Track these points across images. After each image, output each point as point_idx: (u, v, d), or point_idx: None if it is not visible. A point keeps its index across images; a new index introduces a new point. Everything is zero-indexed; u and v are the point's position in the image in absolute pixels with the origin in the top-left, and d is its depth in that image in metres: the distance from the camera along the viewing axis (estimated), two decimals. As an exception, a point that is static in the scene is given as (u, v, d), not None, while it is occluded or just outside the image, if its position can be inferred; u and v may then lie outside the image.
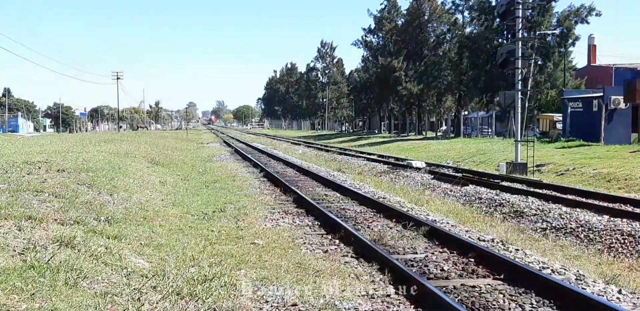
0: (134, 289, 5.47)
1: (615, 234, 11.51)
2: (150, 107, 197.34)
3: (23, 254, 5.74)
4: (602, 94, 35.54)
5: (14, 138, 51.73)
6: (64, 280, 5.17)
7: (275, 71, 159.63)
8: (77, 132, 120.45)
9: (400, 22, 73.88)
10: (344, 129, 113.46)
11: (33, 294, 4.65)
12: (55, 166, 12.94)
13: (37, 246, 6.02)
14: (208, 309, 5.24)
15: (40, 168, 12.47)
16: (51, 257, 5.65)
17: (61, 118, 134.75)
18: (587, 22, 47.11)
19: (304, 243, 8.98)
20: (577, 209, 13.71)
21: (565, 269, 7.69)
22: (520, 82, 24.98)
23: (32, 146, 23.35)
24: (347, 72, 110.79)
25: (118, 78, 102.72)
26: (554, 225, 12.72)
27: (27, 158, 14.80)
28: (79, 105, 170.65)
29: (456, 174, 21.36)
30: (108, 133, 72.21)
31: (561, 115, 41.02)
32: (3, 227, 6.57)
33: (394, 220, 11.00)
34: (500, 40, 49.93)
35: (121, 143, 28.88)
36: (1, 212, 7.20)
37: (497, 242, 9.34)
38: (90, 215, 8.44)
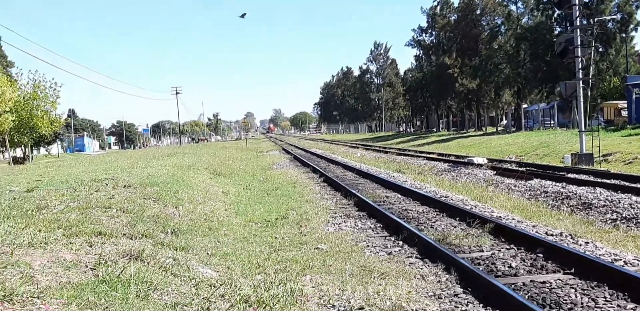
0: (203, 298, 5.58)
1: (691, 222, 11.07)
2: (209, 119, 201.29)
3: (95, 269, 5.93)
4: (667, 78, 34.30)
5: (81, 157, 53.50)
6: (135, 292, 5.31)
7: (332, 76, 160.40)
8: (140, 148, 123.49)
9: (453, 18, 73.08)
10: (401, 130, 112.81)
11: (106, 308, 4.79)
12: (122, 182, 13.31)
13: (108, 261, 6.20)
14: (276, 315, 5.29)
15: (107, 185, 12.84)
16: (122, 271, 5.81)
17: (125, 135, 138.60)
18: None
19: (367, 246, 8.96)
20: (649, 198, 13.26)
21: (638, 260, 7.46)
22: (580, 70, 24.34)
23: (98, 164, 24.08)
24: (401, 72, 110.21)
25: (177, 93, 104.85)
26: (624, 215, 12.31)
27: (95, 176, 15.28)
28: (141, 122, 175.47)
29: (519, 168, 20.94)
30: (170, 147, 73.81)
31: (626, 102, 39.75)
32: (74, 243, 6.79)
33: (457, 218, 10.88)
34: (559, 29, 48.77)
35: (183, 157, 29.47)
36: (72, 230, 7.44)
37: (566, 236, 9.12)
38: (157, 228, 8.65)
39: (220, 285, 6.16)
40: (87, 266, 6.00)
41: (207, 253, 7.87)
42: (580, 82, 24.26)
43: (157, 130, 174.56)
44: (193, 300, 5.51)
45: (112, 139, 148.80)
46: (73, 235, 7.19)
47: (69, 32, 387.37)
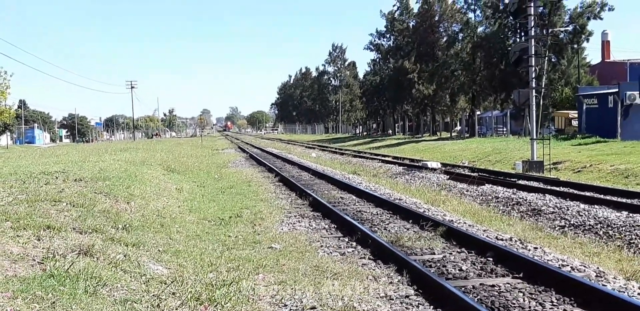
0: (153, 295, 5.49)
1: (634, 230, 11.39)
2: (165, 115, 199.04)
3: (42, 263, 5.79)
4: (617, 90, 35.35)
5: (31, 149, 52.25)
6: (84, 288, 5.20)
7: (290, 76, 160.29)
8: (92, 141, 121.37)
9: (412, 24, 73.71)
10: (358, 132, 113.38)
11: (53, 302, 4.68)
12: (73, 176, 13.02)
13: (57, 255, 6.06)
14: (227, 314, 5.24)
15: (57, 178, 12.55)
16: (70, 266, 5.69)
17: (77, 128, 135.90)
18: (600, 18, 46.70)
19: (321, 246, 8.97)
20: (596, 206, 13.61)
21: (585, 266, 7.64)
22: (534, 79, 24.85)
23: (49, 156, 23.54)
24: (360, 75, 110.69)
25: (132, 88, 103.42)
26: (572, 222, 12.63)
27: (45, 168, 14.92)
28: (95, 115, 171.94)
29: (472, 174, 21.27)
30: (123, 142, 72.63)
31: (577, 112, 40.77)
32: (22, 237, 6.62)
33: (410, 221, 10.98)
34: (513, 38, 49.71)
35: (137, 152, 29.01)
36: (20, 222, 7.25)
37: (515, 241, 9.29)
38: (108, 223, 8.49)
39: (172, 282, 6.08)
40: (34, 260, 5.86)
41: (159, 250, 7.76)
42: (533, 90, 24.77)
43: (111, 124, 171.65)
44: (143, 296, 5.42)
45: (64, 132, 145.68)
46: (21, 227, 7.01)
47: (21, 20, 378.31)
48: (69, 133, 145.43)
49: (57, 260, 5.87)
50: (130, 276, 6.08)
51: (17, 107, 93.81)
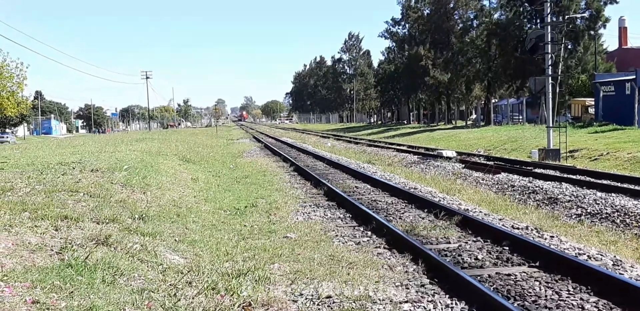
0: (170, 285, 5.54)
1: (652, 218, 11.29)
2: (179, 105, 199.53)
3: (60, 253, 5.85)
4: (634, 77, 34.89)
5: (48, 140, 52.69)
6: (102, 277, 5.25)
7: (304, 65, 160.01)
8: (106, 132, 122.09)
9: (427, 12, 73.29)
10: (372, 121, 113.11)
11: (72, 292, 4.73)
12: (89, 166, 13.12)
13: (74, 245, 6.12)
14: (243, 303, 5.27)
15: (74, 168, 12.65)
16: (88, 255, 5.74)
17: (93, 119, 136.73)
18: (616, 2, 46.07)
19: (336, 235, 8.98)
20: (613, 194, 13.50)
21: (601, 255, 7.59)
22: (550, 67, 24.62)
23: (65, 147, 23.72)
24: (375, 63, 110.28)
25: (147, 78, 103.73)
26: (589, 210, 12.54)
27: (62, 159, 15.04)
28: (110, 106, 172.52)
29: (488, 162, 21.15)
30: (139, 133, 73.00)
31: (593, 99, 40.36)
32: (40, 227, 6.69)
33: (425, 210, 10.96)
34: (529, 25, 49.20)
35: (152, 142, 29.17)
36: (38, 213, 7.33)
37: (532, 230, 9.25)
38: (124, 213, 8.54)
39: (188, 271, 6.12)
40: (52, 250, 5.92)
41: (175, 240, 7.82)
42: (550, 78, 24.56)
43: (126, 114, 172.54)
44: (160, 286, 5.47)
45: (80, 122, 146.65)
46: (39, 218, 7.08)
47: (38, 11, 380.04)
48: (85, 123, 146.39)
49: (74, 250, 5.93)
50: (147, 266, 6.13)
51: (34, 98, 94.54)
